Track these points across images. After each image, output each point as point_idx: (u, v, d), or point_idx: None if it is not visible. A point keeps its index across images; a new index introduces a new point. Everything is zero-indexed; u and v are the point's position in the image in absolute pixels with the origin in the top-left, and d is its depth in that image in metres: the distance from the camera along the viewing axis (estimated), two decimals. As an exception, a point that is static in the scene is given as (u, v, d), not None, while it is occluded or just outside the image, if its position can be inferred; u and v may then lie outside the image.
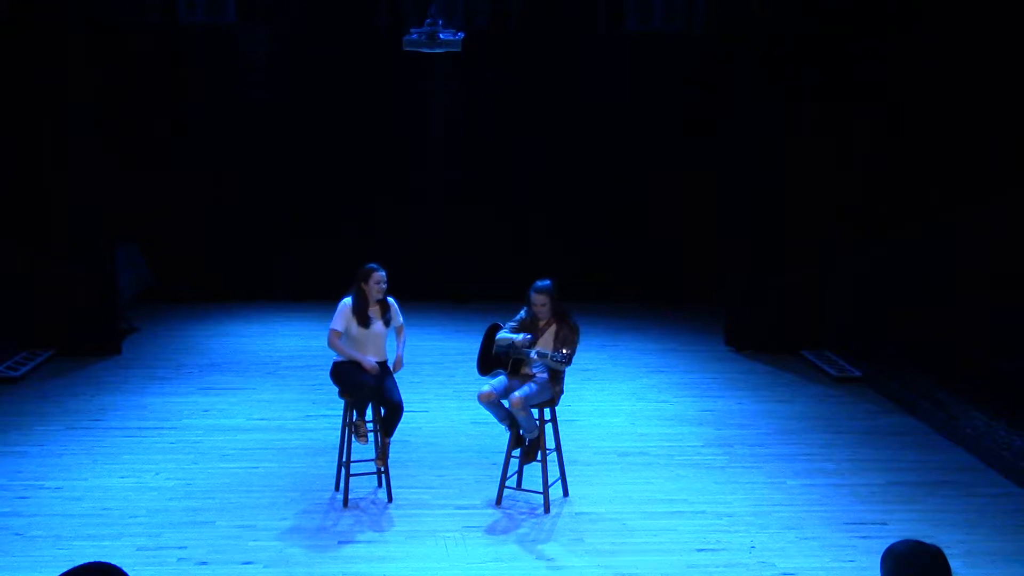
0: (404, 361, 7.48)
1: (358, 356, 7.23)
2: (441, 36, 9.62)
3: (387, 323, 7.37)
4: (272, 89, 13.02)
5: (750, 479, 7.84)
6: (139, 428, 8.71)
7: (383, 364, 7.33)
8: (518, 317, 7.29)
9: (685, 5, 13.12)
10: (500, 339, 7.23)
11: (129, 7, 12.18)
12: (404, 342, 7.56)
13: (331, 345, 7.32)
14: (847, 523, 7.06)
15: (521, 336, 7.09)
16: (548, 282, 7.21)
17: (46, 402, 9.31)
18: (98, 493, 7.32)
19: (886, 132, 10.72)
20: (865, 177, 10.85)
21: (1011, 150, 10.16)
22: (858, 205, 10.90)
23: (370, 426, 7.34)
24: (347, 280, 7.41)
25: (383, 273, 7.31)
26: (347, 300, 7.30)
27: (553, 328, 7.17)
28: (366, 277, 7.28)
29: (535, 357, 7.04)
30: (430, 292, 13.11)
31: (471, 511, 7.16)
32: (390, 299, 7.43)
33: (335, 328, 7.28)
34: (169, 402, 9.40)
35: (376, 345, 7.32)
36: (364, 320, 7.26)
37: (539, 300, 7.14)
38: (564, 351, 6.91)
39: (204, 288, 13.16)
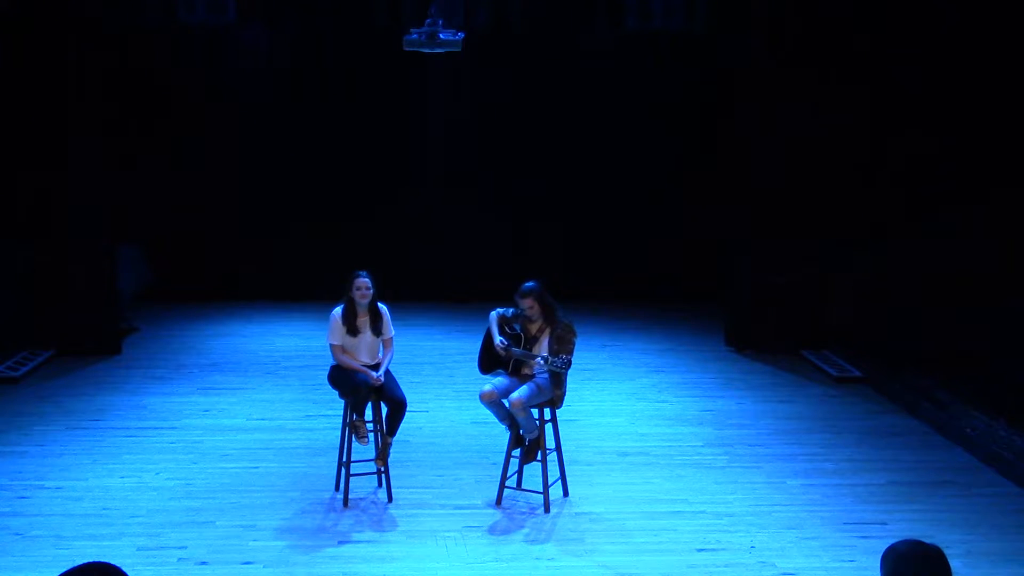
0: (383, 375, 7.27)
1: (364, 370, 7.21)
2: (441, 36, 9.60)
3: (377, 333, 7.29)
4: (272, 89, 13.00)
5: (750, 479, 7.83)
6: (139, 428, 8.71)
7: (377, 366, 7.30)
8: (512, 312, 7.25)
9: (685, 4, 13.11)
10: (515, 353, 7.16)
11: (128, 7, 12.17)
12: (390, 356, 7.39)
13: (337, 360, 7.31)
14: (847, 523, 7.06)
15: (521, 352, 7.07)
16: (533, 284, 7.12)
17: (46, 402, 9.31)
18: (98, 493, 7.32)
19: (887, 132, 10.71)
20: (866, 176, 10.85)
21: (1011, 149, 10.16)
22: (859, 205, 10.89)
23: (370, 426, 7.33)
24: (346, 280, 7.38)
25: (364, 279, 7.19)
26: (337, 311, 7.27)
27: (548, 330, 7.13)
28: (351, 284, 7.23)
29: (539, 362, 7.02)
30: (430, 292, 13.11)
31: (471, 511, 7.16)
32: (382, 307, 7.34)
33: (333, 343, 7.26)
34: (169, 402, 9.40)
35: (370, 351, 7.30)
36: (353, 330, 7.23)
37: (525, 303, 7.10)
38: (562, 356, 6.89)
39: (204, 288, 13.16)
